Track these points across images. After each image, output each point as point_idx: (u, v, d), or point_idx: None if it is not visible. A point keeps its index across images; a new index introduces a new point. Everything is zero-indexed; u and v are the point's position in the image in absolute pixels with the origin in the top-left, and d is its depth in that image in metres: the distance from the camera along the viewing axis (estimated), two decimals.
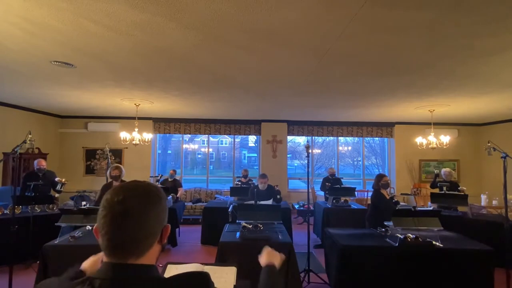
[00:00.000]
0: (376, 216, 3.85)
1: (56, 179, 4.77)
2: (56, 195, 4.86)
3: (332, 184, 5.96)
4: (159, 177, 6.18)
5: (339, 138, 8.88)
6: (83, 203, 3.96)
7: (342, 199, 5.31)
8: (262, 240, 2.97)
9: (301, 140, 13.00)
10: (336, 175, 6.58)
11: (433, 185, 5.45)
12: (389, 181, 4.00)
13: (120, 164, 7.58)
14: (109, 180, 4.06)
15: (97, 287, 0.64)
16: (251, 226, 3.15)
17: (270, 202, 4.37)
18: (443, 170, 5.47)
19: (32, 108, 6.48)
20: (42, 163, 4.71)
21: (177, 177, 6.67)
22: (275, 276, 1.07)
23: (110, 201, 0.68)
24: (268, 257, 1.20)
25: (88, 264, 1.11)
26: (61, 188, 4.77)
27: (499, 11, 2.11)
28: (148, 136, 6.08)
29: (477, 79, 3.86)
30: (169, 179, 5.90)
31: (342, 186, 5.77)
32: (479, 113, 6.49)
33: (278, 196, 4.57)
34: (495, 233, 3.89)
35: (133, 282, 0.66)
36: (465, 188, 5.07)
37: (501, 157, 3.24)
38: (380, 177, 3.98)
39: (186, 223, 6.56)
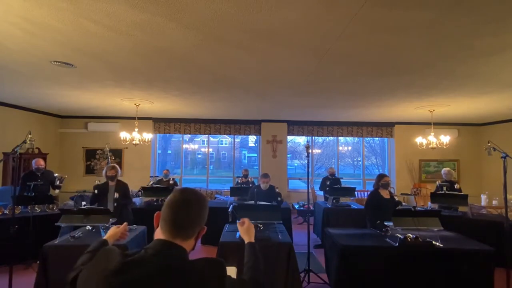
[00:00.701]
0: (376, 216, 3.87)
1: (55, 174, 4.77)
2: (56, 191, 4.84)
3: (332, 184, 5.96)
4: (154, 179, 6.16)
5: (339, 138, 8.88)
6: (83, 203, 3.95)
7: (341, 199, 5.32)
8: (262, 240, 2.97)
9: (301, 140, 13.01)
10: (336, 175, 6.58)
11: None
12: (389, 181, 4.00)
13: (121, 164, 7.61)
14: (104, 180, 4.03)
15: (150, 253, 0.86)
16: None
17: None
18: (443, 169, 5.47)
19: (32, 108, 6.48)
20: (41, 163, 4.70)
21: (175, 176, 6.67)
22: (257, 253, 1.30)
23: (175, 193, 0.95)
24: (248, 232, 1.42)
25: (110, 235, 1.37)
26: (60, 183, 4.76)
27: (499, 11, 2.11)
28: (148, 136, 6.08)
29: (477, 79, 3.86)
30: (164, 179, 5.90)
31: (341, 186, 5.77)
32: (479, 113, 6.49)
33: (279, 199, 4.54)
34: (495, 233, 3.89)
35: (171, 256, 0.87)
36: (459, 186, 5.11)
37: (501, 157, 3.23)
38: (380, 177, 3.98)
39: None
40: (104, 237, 1.34)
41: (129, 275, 0.81)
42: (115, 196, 3.87)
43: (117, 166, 4.11)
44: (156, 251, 0.87)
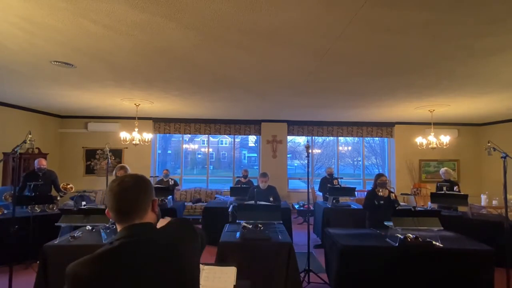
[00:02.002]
0: (373, 215, 3.91)
1: (62, 186, 4.79)
2: (58, 198, 4.88)
3: (328, 183, 5.97)
4: (154, 179, 6.18)
5: (339, 138, 8.88)
6: (83, 203, 3.95)
7: (341, 200, 5.32)
8: (262, 240, 2.98)
9: (301, 140, 13.00)
10: (335, 175, 6.57)
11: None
12: (386, 181, 4.03)
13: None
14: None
15: (118, 244, 0.92)
16: (251, 226, 3.15)
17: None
18: (441, 169, 5.46)
19: (32, 108, 6.48)
20: (43, 163, 4.71)
21: (174, 177, 6.67)
22: None
23: (111, 186, 1.00)
24: None
25: None
26: (64, 194, 4.84)
27: (499, 11, 2.11)
28: (148, 136, 6.08)
29: (477, 79, 3.86)
30: (164, 179, 5.90)
31: (340, 185, 5.77)
32: (479, 113, 6.50)
33: (271, 199, 4.50)
34: (495, 233, 3.89)
35: (139, 233, 0.96)
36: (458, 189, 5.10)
37: (501, 157, 3.23)
38: (377, 176, 4.05)
39: None
40: None
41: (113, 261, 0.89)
42: None
43: (127, 166, 4.04)
44: (123, 237, 0.94)
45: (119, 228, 0.99)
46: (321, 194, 6.46)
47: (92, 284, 0.85)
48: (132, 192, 0.99)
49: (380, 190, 3.97)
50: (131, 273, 0.88)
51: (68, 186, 4.76)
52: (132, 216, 0.98)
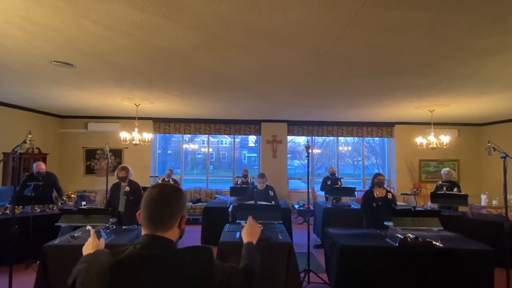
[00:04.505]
0: (370, 215, 3.93)
1: (66, 195, 4.81)
2: (60, 203, 4.89)
3: (331, 184, 5.96)
4: (159, 179, 6.20)
5: (339, 138, 8.88)
6: (83, 203, 3.95)
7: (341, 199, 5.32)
8: (262, 240, 2.97)
9: (301, 140, 13.00)
10: (336, 175, 6.58)
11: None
12: (383, 180, 4.03)
13: (120, 164, 7.60)
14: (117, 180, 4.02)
15: (138, 248, 0.92)
16: None
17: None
18: (443, 170, 5.46)
19: (32, 108, 6.48)
20: (41, 167, 4.66)
21: (175, 177, 6.68)
22: (254, 252, 1.26)
23: (150, 191, 1.01)
24: (249, 233, 1.39)
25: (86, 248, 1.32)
26: (64, 202, 4.89)
27: (499, 11, 2.11)
28: (148, 136, 6.08)
29: (477, 79, 3.86)
30: (166, 179, 5.91)
31: (341, 186, 5.77)
32: (479, 113, 6.49)
33: (273, 202, 4.48)
34: (495, 233, 3.88)
35: (157, 247, 0.94)
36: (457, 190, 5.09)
37: (501, 157, 3.23)
38: (374, 176, 4.08)
39: (186, 223, 6.48)
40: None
41: (122, 271, 0.87)
42: (124, 196, 3.86)
43: (128, 167, 4.03)
44: (143, 245, 0.93)
45: (143, 232, 0.99)
46: (322, 193, 6.47)
47: None
48: (167, 201, 0.99)
49: (377, 190, 3.98)
50: (132, 285, 0.87)
51: (72, 195, 4.77)
52: (157, 225, 0.96)
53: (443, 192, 4.89)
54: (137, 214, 1.02)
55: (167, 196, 1.00)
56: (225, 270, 1.01)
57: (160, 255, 0.91)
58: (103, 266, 0.87)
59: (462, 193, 4.83)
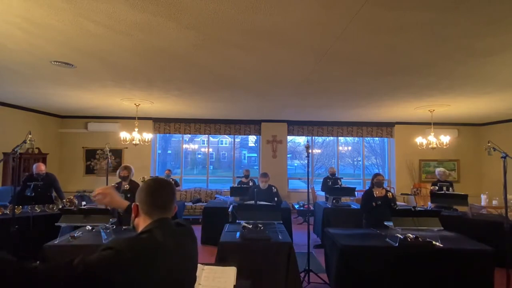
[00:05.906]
0: (369, 214, 3.93)
1: (67, 200, 4.79)
2: (60, 206, 4.87)
3: (332, 184, 5.96)
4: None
5: (339, 138, 8.88)
6: (83, 203, 3.96)
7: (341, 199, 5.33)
8: (262, 240, 2.98)
9: (301, 140, 13.00)
10: (336, 175, 6.57)
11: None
12: (382, 180, 4.04)
13: (120, 164, 7.59)
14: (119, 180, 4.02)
15: (173, 225, 1.09)
16: (251, 226, 3.15)
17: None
18: (437, 170, 5.41)
19: (32, 108, 6.48)
20: (41, 168, 4.65)
21: (174, 177, 6.66)
22: None
23: (150, 182, 1.15)
24: (113, 200, 1.42)
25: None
26: (63, 205, 4.85)
27: (499, 11, 2.11)
28: (148, 136, 6.07)
29: (477, 79, 3.86)
30: (165, 179, 5.90)
31: (341, 186, 5.77)
32: (479, 113, 6.49)
33: (276, 198, 4.53)
34: (495, 233, 3.88)
35: (169, 224, 1.09)
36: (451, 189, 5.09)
37: (501, 157, 3.23)
38: (374, 176, 4.09)
39: None
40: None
41: (172, 246, 1.01)
42: (122, 194, 3.86)
43: (130, 166, 4.06)
44: (171, 225, 1.08)
45: (147, 221, 1.07)
46: (322, 193, 6.46)
47: (134, 263, 0.90)
48: (168, 189, 1.14)
49: (377, 190, 3.99)
50: (167, 253, 0.99)
51: (74, 200, 4.77)
52: (165, 211, 1.10)
53: (443, 192, 4.89)
54: (133, 206, 1.12)
55: (169, 183, 1.16)
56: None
57: (187, 226, 1.14)
58: (153, 247, 0.95)
59: (462, 193, 4.83)
